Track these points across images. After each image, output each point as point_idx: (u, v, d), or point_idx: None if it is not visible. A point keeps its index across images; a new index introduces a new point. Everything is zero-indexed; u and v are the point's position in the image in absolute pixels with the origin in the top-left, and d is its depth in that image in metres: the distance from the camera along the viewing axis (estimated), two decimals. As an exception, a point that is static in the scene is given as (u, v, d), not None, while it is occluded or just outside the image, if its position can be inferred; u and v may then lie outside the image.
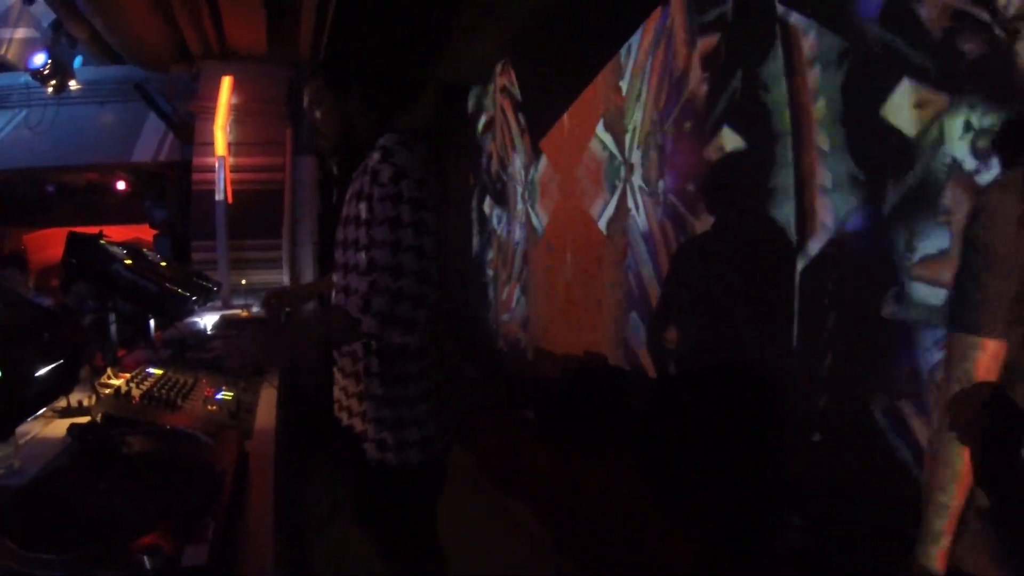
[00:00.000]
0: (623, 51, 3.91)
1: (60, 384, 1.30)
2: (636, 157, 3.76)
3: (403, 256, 1.78)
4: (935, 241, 2.07)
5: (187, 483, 1.17)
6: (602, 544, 2.94)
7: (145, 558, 0.94)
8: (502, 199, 5.96)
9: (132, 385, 1.97)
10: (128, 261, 2.71)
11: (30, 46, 7.39)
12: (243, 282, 6.02)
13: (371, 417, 1.94)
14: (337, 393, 2.08)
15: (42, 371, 1.16)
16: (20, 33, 7.78)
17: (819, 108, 2.51)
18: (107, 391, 1.92)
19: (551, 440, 3.70)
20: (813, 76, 2.53)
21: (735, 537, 2.68)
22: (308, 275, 6.49)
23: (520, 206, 5.52)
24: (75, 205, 9.64)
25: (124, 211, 9.02)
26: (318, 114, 2.09)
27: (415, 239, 1.79)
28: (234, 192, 6.22)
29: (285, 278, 6.33)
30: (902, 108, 2.17)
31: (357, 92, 2.04)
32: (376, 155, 1.88)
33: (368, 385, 1.95)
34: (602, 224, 4.17)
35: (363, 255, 1.83)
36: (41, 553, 0.98)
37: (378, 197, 1.82)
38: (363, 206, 1.86)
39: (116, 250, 2.75)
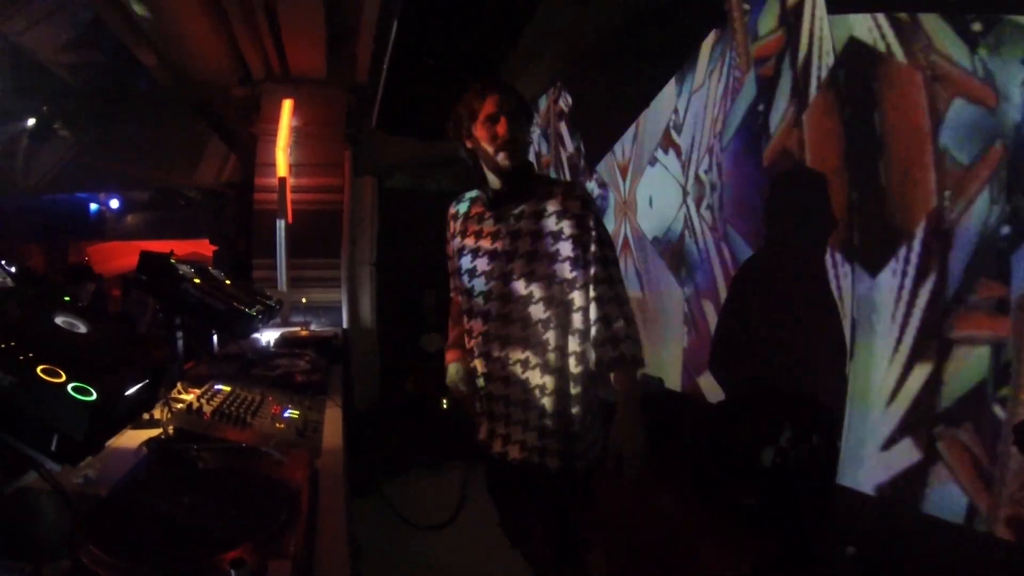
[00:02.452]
0: (680, 73, 3.93)
1: (145, 402, 1.36)
2: (694, 180, 3.76)
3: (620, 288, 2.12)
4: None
5: (269, 500, 1.21)
6: (649, 566, 2.93)
7: (232, 571, 0.98)
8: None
9: (203, 401, 2.04)
10: (197, 280, 2.80)
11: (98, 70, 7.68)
12: (304, 300, 6.14)
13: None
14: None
15: (131, 391, 1.21)
16: (92, 55, 8.08)
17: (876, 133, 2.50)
18: (179, 406, 1.98)
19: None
20: (870, 102, 2.52)
21: (788, 565, 2.65)
22: (365, 296, 6.58)
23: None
24: (137, 220, 9.95)
25: (185, 227, 9.29)
26: (514, 124, 2.18)
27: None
28: (294, 212, 6.37)
29: (343, 297, 6.43)
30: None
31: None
32: (578, 203, 2.13)
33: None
34: (660, 246, 4.17)
35: (601, 290, 2.09)
36: (129, 562, 1.02)
37: (597, 240, 2.10)
38: (566, 245, 2.11)
39: (185, 269, 2.85)
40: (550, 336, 2.12)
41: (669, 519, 3.05)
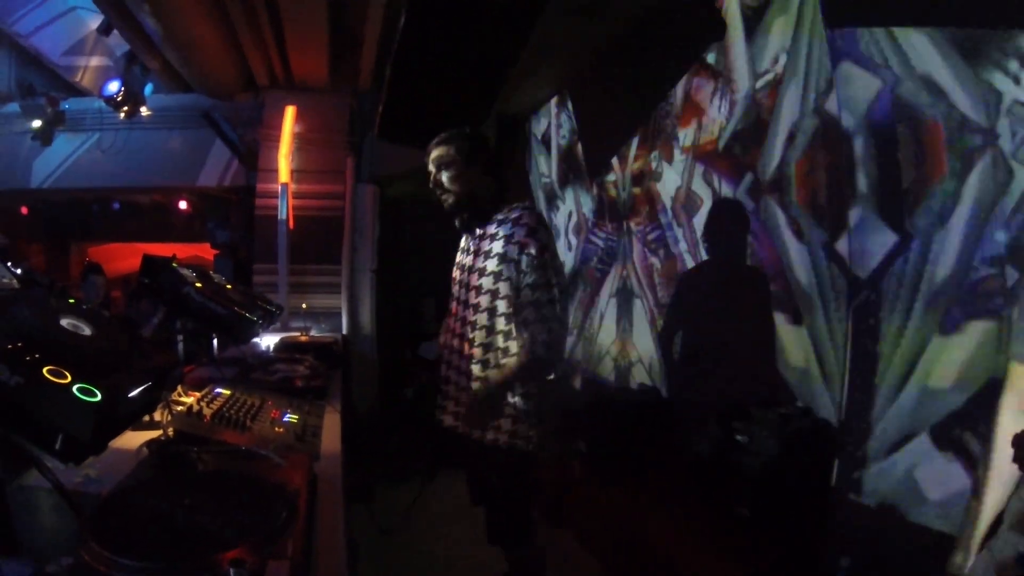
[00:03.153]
0: (680, 84, 3.96)
1: (147, 404, 1.37)
2: (697, 187, 3.79)
3: (547, 309, 2.42)
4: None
5: (268, 502, 1.23)
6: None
7: (231, 571, 1.00)
8: (558, 229, 6.01)
9: (203, 404, 2.06)
10: (199, 284, 2.81)
11: (104, 74, 7.71)
12: (304, 306, 6.16)
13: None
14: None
15: (134, 392, 1.23)
16: (95, 61, 8.11)
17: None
18: (179, 408, 2.00)
19: (602, 472, 3.71)
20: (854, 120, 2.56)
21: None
22: (365, 302, 6.59)
23: (576, 236, 5.57)
24: (139, 223, 9.95)
25: (186, 231, 9.29)
26: (445, 176, 2.67)
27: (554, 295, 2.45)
28: (296, 218, 6.39)
29: (343, 303, 6.45)
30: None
31: (481, 163, 2.68)
32: (522, 231, 2.49)
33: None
34: (659, 255, 4.20)
35: (525, 313, 2.46)
36: (130, 559, 1.04)
37: (527, 266, 2.45)
38: (507, 267, 2.50)
39: (187, 273, 2.86)
40: (483, 339, 2.58)
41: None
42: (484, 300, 2.57)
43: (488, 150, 2.77)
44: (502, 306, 2.53)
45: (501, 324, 2.54)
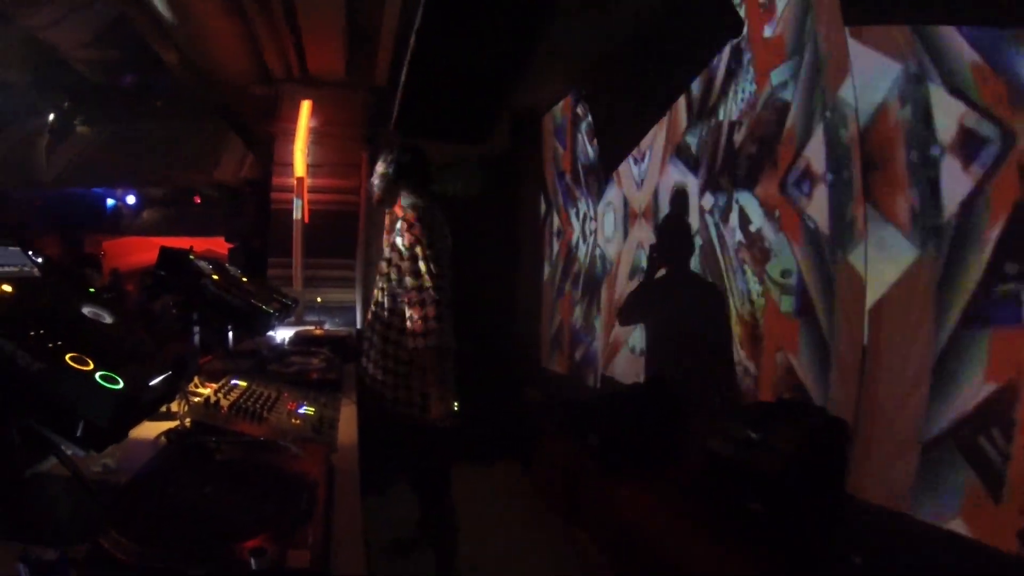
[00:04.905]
0: (697, 83, 3.94)
1: (167, 393, 1.38)
2: (707, 190, 3.78)
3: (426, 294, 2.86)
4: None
5: (288, 492, 1.23)
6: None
7: (252, 559, 1.00)
8: (571, 226, 6.00)
9: (220, 395, 2.06)
10: (215, 276, 2.83)
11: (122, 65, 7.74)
12: (319, 299, 6.18)
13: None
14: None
15: (155, 381, 1.23)
16: (113, 52, 8.14)
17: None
18: (196, 399, 2.01)
19: (614, 467, 3.70)
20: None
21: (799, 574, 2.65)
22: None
23: (590, 234, 5.56)
24: (153, 216, 10.00)
25: (201, 224, 9.34)
26: (373, 179, 3.22)
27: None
28: (310, 212, 6.40)
29: (357, 297, 6.46)
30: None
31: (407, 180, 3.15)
32: (400, 238, 2.92)
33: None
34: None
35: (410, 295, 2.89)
36: (150, 548, 1.04)
37: (411, 259, 2.88)
38: (393, 265, 2.97)
39: (204, 265, 2.88)
40: (388, 319, 3.02)
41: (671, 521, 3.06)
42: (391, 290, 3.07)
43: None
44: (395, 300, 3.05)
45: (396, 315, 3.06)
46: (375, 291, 3.13)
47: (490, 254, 6.61)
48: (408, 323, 2.88)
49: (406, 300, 2.89)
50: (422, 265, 2.87)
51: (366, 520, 1.40)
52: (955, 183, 2.27)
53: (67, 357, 1.07)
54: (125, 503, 1.20)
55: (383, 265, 3.07)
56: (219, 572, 1.01)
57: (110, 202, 9.89)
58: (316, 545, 1.08)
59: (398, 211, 3.07)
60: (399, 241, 2.93)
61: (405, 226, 2.92)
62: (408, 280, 2.88)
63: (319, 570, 1.03)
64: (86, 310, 1.32)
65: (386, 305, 3.02)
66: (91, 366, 1.07)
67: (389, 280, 3.00)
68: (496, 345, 6.17)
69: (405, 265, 2.89)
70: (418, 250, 2.88)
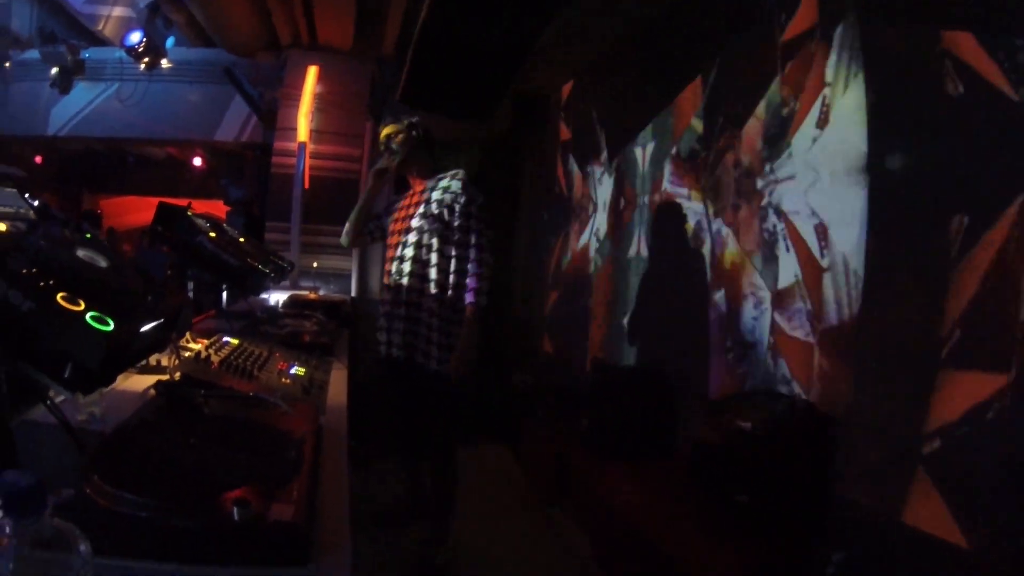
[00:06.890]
0: (703, 73, 3.91)
1: (157, 342, 1.36)
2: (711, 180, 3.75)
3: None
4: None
5: (275, 447, 1.22)
6: (646, 562, 2.94)
7: (235, 510, 0.99)
8: (573, 211, 5.97)
9: (211, 351, 2.05)
10: (212, 234, 2.81)
11: (127, 24, 7.67)
12: (315, 265, 6.17)
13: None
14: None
15: (146, 327, 1.22)
16: (118, 11, 8.07)
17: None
18: (187, 354, 2.00)
19: (602, 452, 3.70)
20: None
21: (779, 568, 2.66)
22: (376, 267, 6.56)
23: (591, 220, 5.53)
24: (152, 177, 9.94)
25: (200, 186, 9.27)
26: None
27: None
28: (311, 178, 6.38)
29: (353, 265, 6.45)
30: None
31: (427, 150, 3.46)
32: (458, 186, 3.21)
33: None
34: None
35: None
36: (133, 494, 1.03)
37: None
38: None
39: (201, 222, 2.86)
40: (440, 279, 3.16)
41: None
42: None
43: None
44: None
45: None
46: (397, 261, 3.21)
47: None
48: (470, 280, 3.06)
49: (467, 258, 3.09)
50: (475, 223, 3.13)
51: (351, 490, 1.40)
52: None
53: (58, 296, 1.05)
54: (110, 451, 1.19)
55: (411, 236, 3.20)
56: (201, 521, 1.00)
57: (109, 161, 9.82)
58: (301, 500, 1.07)
59: (415, 182, 3.38)
60: (449, 204, 3.14)
61: (460, 187, 3.17)
62: (468, 238, 3.11)
63: (302, 524, 1.02)
64: (81, 252, 1.30)
65: (435, 263, 3.13)
66: (82, 306, 1.05)
67: (423, 247, 3.16)
68: (492, 329, 6.15)
69: (460, 223, 3.12)
70: (473, 208, 3.14)
